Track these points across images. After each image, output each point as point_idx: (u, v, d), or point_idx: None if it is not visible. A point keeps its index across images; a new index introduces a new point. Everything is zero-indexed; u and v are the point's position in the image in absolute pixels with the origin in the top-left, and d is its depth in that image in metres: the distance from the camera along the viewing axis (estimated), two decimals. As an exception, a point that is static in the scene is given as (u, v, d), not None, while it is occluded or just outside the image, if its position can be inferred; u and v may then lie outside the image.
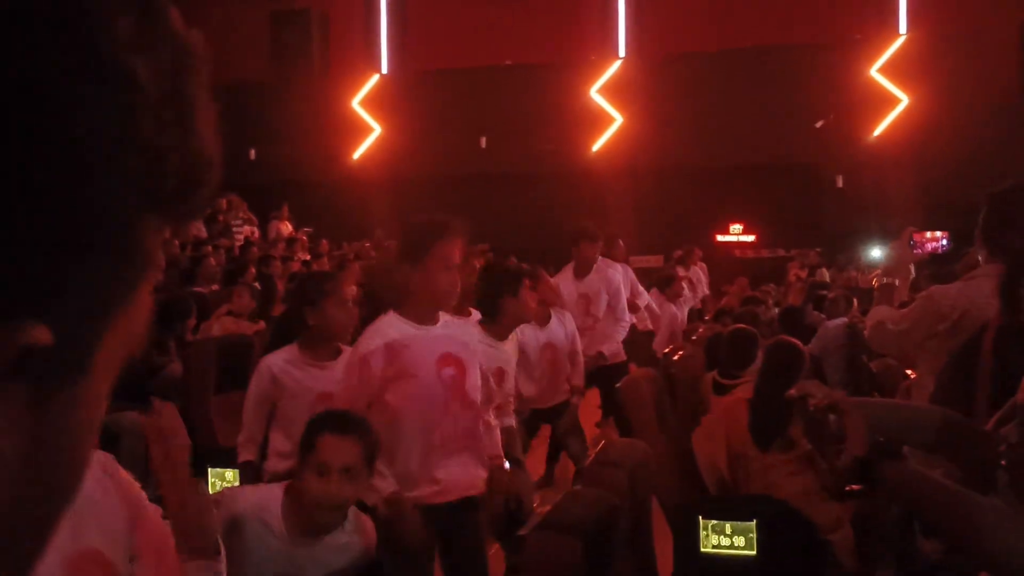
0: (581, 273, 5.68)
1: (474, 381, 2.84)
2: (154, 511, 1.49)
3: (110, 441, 3.45)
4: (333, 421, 2.23)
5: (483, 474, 2.86)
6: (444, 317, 2.91)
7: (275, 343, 3.53)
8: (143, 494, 1.48)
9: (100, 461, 1.48)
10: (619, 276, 6.03)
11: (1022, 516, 1.41)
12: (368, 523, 2.35)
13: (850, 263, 12.35)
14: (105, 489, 1.44)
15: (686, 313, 8.82)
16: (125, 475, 1.50)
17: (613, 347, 5.74)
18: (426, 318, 2.79)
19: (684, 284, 9.51)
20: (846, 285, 9.88)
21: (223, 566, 1.60)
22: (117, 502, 1.45)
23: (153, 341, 6.04)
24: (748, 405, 3.96)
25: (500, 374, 3.63)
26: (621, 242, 7.09)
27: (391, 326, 2.77)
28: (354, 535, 2.27)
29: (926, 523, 1.64)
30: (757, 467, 3.91)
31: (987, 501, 1.43)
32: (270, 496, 2.23)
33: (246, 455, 3.34)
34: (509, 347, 4.05)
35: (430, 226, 2.83)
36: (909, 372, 4.26)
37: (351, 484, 2.15)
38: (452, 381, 2.77)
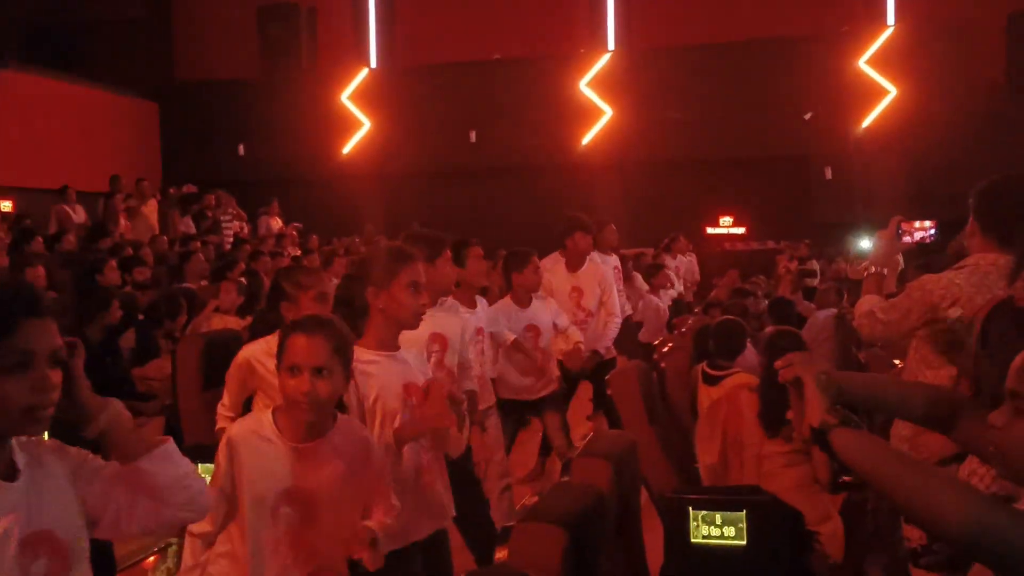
0: (574, 266, 5.64)
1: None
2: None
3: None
4: (303, 322, 2.32)
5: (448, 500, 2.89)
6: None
7: (255, 337, 3.54)
8: (89, 456, 1.64)
9: (48, 448, 1.61)
10: (611, 270, 6.08)
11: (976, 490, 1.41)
12: (356, 423, 2.52)
13: (839, 254, 12.39)
14: (54, 475, 1.57)
15: (667, 303, 8.86)
16: (72, 451, 1.63)
17: (608, 343, 5.76)
18: (388, 344, 2.78)
19: (670, 274, 9.57)
20: (835, 276, 9.91)
21: None
22: (64, 483, 1.58)
23: (146, 336, 6.06)
24: (751, 393, 3.97)
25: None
26: (613, 226, 7.05)
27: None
28: (348, 434, 2.37)
29: (879, 493, 1.64)
30: (753, 455, 3.92)
31: (941, 471, 1.44)
32: (260, 417, 2.39)
33: (224, 423, 3.35)
34: (472, 313, 4.28)
35: (396, 252, 2.84)
36: (897, 362, 4.28)
37: (325, 381, 2.22)
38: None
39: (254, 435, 2.30)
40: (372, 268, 2.78)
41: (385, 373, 2.70)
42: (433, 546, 2.80)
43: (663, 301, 8.82)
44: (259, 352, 3.34)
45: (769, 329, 5.86)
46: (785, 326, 5.94)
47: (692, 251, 12.01)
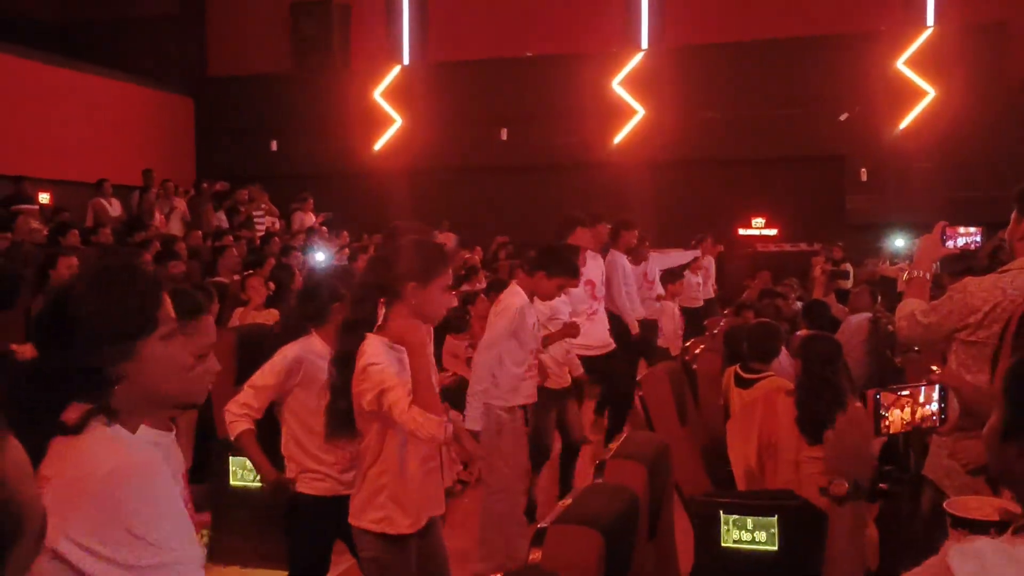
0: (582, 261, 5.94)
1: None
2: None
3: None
4: None
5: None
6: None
7: (289, 334, 3.52)
8: None
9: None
10: (602, 265, 6.53)
11: None
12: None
13: (874, 257, 12.24)
14: None
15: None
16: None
17: (602, 337, 5.92)
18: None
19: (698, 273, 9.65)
20: (869, 279, 9.80)
21: None
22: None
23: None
24: (788, 398, 3.93)
25: None
26: (635, 231, 7.27)
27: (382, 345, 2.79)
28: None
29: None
30: (789, 459, 3.88)
31: None
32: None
33: (244, 424, 3.32)
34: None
35: (440, 250, 2.90)
36: (934, 367, 4.20)
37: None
38: None
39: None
40: (413, 262, 2.76)
41: (397, 369, 2.71)
42: (429, 532, 2.88)
43: (676, 306, 8.81)
44: (310, 350, 3.36)
45: (802, 333, 5.81)
46: (819, 330, 5.89)
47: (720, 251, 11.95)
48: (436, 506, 2.92)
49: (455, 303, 2.89)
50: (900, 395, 2.31)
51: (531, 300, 4.62)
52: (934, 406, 2.31)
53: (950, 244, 3.11)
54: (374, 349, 2.70)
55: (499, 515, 4.55)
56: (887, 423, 2.29)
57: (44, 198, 11.98)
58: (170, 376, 1.51)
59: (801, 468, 3.86)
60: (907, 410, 2.31)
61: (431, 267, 2.77)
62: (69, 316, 1.43)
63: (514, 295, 4.61)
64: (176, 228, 11.46)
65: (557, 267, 4.55)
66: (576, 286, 4.88)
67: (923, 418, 2.35)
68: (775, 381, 4.29)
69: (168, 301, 1.54)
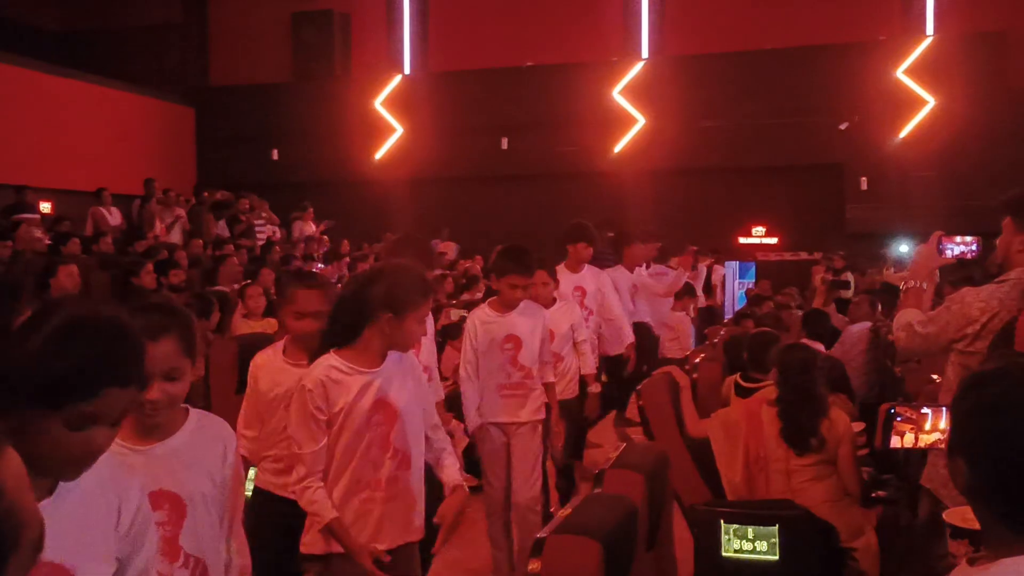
0: (575, 269, 6.06)
1: (402, 428, 2.73)
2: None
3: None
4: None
5: (418, 521, 2.80)
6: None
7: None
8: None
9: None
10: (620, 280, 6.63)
11: None
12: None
13: (874, 266, 12.24)
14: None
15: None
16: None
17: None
18: (374, 360, 2.71)
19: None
20: (869, 288, 9.79)
21: None
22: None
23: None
24: (773, 409, 3.94)
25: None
26: (644, 244, 7.26)
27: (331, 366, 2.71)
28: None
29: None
30: (780, 469, 3.88)
31: None
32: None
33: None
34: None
35: (424, 285, 2.78)
36: (935, 376, 4.21)
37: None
38: (379, 430, 2.70)
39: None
40: (391, 292, 2.67)
41: (357, 390, 2.65)
42: (401, 559, 2.74)
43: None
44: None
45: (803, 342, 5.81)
46: (819, 340, 5.89)
47: (710, 262, 11.99)
48: (403, 533, 2.76)
49: (425, 332, 2.84)
50: (915, 415, 2.30)
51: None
52: (942, 425, 2.31)
53: (947, 253, 3.11)
54: (316, 376, 2.66)
55: (492, 537, 4.55)
56: (900, 440, 2.29)
57: (45, 207, 12.00)
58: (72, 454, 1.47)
59: (793, 478, 3.86)
60: (908, 436, 2.31)
61: (408, 299, 2.68)
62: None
63: (473, 312, 4.60)
64: (177, 237, 11.47)
65: (503, 264, 4.37)
66: (527, 281, 4.38)
67: (932, 443, 2.34)
68: (772, 391, 4.29)
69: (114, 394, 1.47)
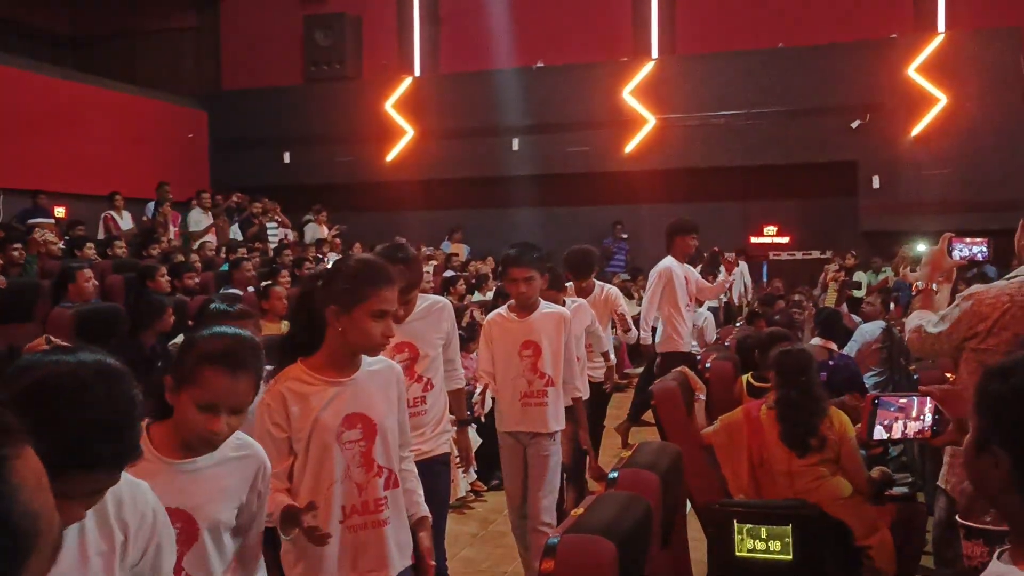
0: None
1: (384, 443, 2.51)
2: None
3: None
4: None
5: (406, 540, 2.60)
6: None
7: None
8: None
9: None
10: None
11: None
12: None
13: (889, 263, 12.19)
14: None
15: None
16: None
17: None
18: (341, 367, 2.48)
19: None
20: (881, 287, 9.76)
21: None
22: None
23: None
24: (772, 411, 3.94)
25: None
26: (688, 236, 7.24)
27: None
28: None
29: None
30: (783, 471, 3.88)
31: None
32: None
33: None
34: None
35: (373, 270, 2.48)
36: (949, 375, 4.19)
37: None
38: (357, 447, 2.47)
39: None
40: (337, 283, 2.44)
41: (322, 402, 2.43)
42: None
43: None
44: None
45: (816, 341, 5.80)
46: (832, 339, 5.88)
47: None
48: (403, 557, 2.55)
49: (392, 333, 2.55)
50: (898, 405, 2.30)
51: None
52: (927, 419, 2.30)
53: (957, 255, 3.09)
54: (276, 388, 2.45)
55: (515, 533, 4.39)
56: (886, 431, 2.29)
57: (60, 212, 12.08)
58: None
59: (797, 480, 3.86)
60: (896, 425, 2.31)
61: (354, 291, 2.40)
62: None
63: (490, 316, 4.38)
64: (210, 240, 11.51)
65: (504, 257, 4.20)
66: (525, 273, 4.10)
67: (916, 432, 2.34)
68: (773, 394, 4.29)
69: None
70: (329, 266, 2.57)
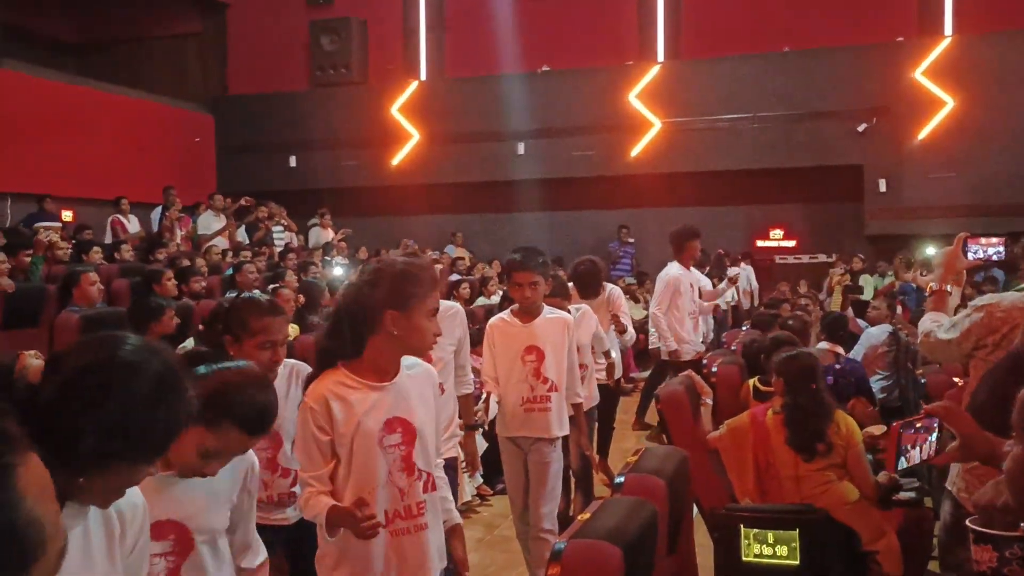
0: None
1: (423, 447, 2.49)
2: None
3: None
4: None
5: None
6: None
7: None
8: None
9: None
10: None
11: None
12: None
13: (894, 266, 12.16)
14: None
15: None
16: None
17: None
18: (385, 371, 2.47)
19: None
20: (887, 291, 9.74)
21: None
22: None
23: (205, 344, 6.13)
24: (779, 416, 3.93)
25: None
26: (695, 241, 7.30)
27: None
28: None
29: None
30: (789, 476, 3.87)
31: None
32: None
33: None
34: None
35: (421, 272, 2.48)
36: (957, 380, 4.18)
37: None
38: (399, 451, 2.45)
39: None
40: (390, 287, 2.42)
41: (365, 406, 2.42)
42: None
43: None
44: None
45: (822, 344, 5.78)
46: (839, 343, 5.86)
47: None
48: (440, 562, 2.53)
49: (441, 331, 2.55)
50: (917, 430, 2.28)
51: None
52: (933, 437, 2.29)
53: (971, 256, 3.09)
54: (319, 391, 2.43)
55: (519, 538, 4.39)
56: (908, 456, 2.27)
57: (67, 216, 12.11)
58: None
59: (804, 485, 3.84)
60: (913, 453, 2.29)
61: (413, 292, 2.42)
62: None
63: (492, 320, 4.34)
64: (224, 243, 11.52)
65: (509, 262, 4.21)
66: (530, 278, 4.07)
67: (926, 454, 2.32)
68: (779, 399, 4.28)
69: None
70: (371, 271, 2.49)
